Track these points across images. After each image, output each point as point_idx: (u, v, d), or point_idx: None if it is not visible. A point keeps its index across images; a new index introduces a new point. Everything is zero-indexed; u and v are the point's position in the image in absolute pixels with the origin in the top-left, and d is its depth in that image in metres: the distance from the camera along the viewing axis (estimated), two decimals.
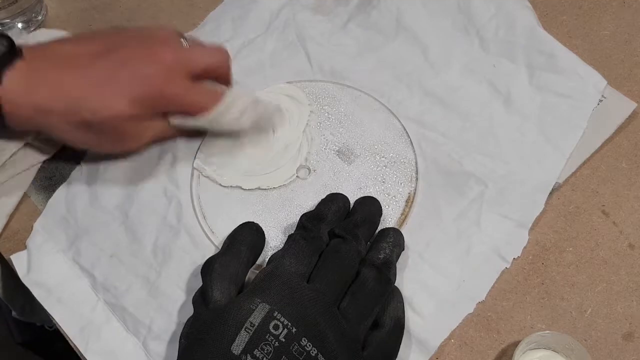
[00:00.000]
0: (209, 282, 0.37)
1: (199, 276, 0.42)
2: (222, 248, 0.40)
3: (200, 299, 0.37)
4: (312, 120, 0.49)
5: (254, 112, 0.44)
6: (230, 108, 0.43)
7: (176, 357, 0.36)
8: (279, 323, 0.34)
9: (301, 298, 0.35)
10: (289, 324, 0.34)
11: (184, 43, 0.43)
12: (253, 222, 0.41)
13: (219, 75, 0.44)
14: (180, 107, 0.42)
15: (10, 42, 0.38)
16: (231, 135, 0.47)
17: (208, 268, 0.38)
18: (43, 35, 0.49)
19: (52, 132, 0.41)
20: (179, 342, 0.37)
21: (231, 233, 0.40)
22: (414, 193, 0.45)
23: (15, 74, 0.38)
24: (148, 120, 0.42)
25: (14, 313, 0.58)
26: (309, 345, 0.34)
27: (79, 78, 0.39)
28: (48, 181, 0.47)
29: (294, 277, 0.36)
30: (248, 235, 0.40)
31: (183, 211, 0.45)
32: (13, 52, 0.38)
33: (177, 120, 0.43)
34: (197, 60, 0.42)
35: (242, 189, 0.46)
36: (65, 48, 0.41)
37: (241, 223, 0.41)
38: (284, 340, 0.33)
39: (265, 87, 0.50)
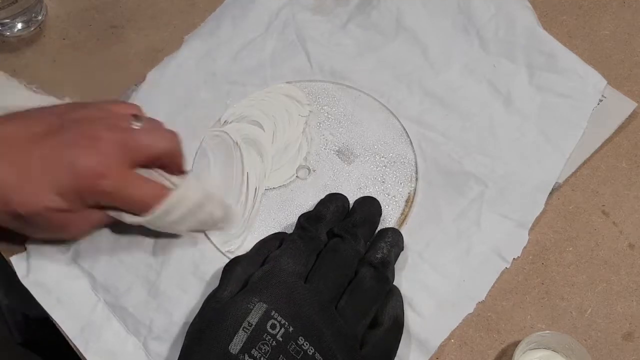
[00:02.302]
0: (225, 282, 0.38)
1: (199, 276, 0.42)
2: (249, 251, 0.40)
3: (212, 295, 0.38)
4: (311, 120, 0.49)
5: (199, 214, 0.41)
6: (173, 210, 0.39)
7: (176, 357, 0.36)
8: (276, 322, 0.34)
9: (298, 297, 0.35)
10: (286, 323, 0.34)
11: (136, 125, 0.40)
12: (285, 233, 0.41)
13: (168, 163, 0.41)
14: (115, 203, 0.39)
15: None
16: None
17: (229, 268, 0.39)
18: None
19: None
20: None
21: (262, 239, 0.41)
22: (414, 193, 0.45)
23: None
24: (82, 211, 0.39)
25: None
26: (306, 344, 0.34)
27: (10, 167, 0.37)
28: None
29: (291, 277, 0.36)
30: (275, 245, 0.40)
31: None
32: None
33: (112, 214, 0.40)
34: (144, 147, 0.39)
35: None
36: (6, 129, 0.38)
37: (275, 232, 0.42)
38: (281, 339, 0.34)
39: (265, 87, 0.50)
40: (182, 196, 0.39)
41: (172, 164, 0.41)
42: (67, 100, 0.45)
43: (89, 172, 0.37)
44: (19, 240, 0.44)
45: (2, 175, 0.37)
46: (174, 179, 0.41)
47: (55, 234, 0.42)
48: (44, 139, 0.38)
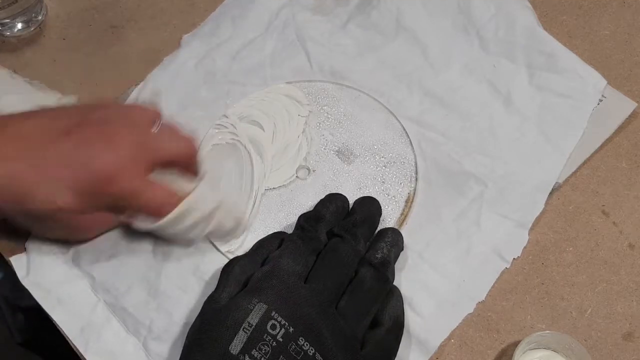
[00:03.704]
0: (223, 282, 0.38)
1: (199, 276, 0.42)
2: (249, 251, 0.40)
3: (210, 297, 0.38)
4: (311, 120, 0.49)
5: (209, 223, 0.41)
6: (184, 217, 0.39)
7: (176, 357, 0.37)
8: (276, 323, 0.34)
9: (298, 298, 0.35)
10: (287, 323, 0.34)
11: (154, 128, 0.40)
12: (284, 233, 0.41)
13: (184, 167, 0.41)
14: (129, 206, 0.39)
15: None
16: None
17: (227, 268, 0.39)
18: None
19: (5, 216, 0.39)
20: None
21: (261, 239, 0.41)
22: (414, 193, 0.45)
23: None
24: (96, 212, 0.39)
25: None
26: (307, 345, 0.34)
27: (27, 165, 0.36)
28: None
29: (291, 277, 0.36)
30: (275, 245, 0.40)
31: None
32: None
33: (123, 218, 0.40)
34: (162, 150, 0.39)
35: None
36: (26, 125, 0.38)
37: (273, 232, 0.41)
38: (281, 340, 0.34)
39: (265, 87, 0.50)
40: (194, 203, 0.39)
41: (187, 168, 0.41)
42: (72, 97, 0.45)
43: (105, 173, 0.37)
44: (19, 240, 0.44)
45: (18, 173, 0.36)
46: (187, 184, 0.40)
47: (64, 234, 0.42)
48: (62, 137, 0.37)
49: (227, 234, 0.43)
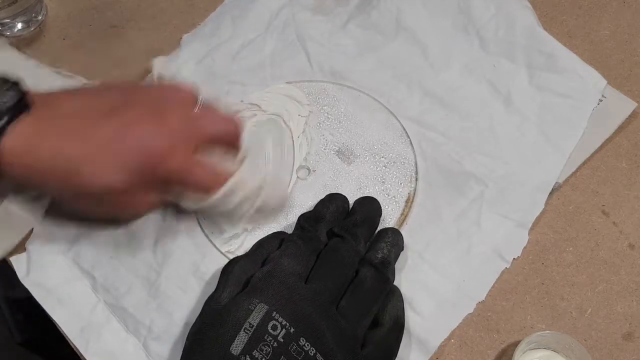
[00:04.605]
0: (224, 283, 0.38)
1: (199, 276, 0.42)
2: (249, 251, 0.40)
3: (210, 297, 0.38)
4: (311, 120, 0.49)
5: (255, 201, 0.41)
6: (232, 195, 0.39)
7: (176, 358, 0.37)
8: (277, 323, 0.34)
9: (299, 298, 0.35)
10: (287, 324, 0.34)
11: (197, 108, 0.40)
12: (284, 232, 0.41)
13: (228, 144, 0.41)
14: (180, 184, 0.39)
15: (21, 93, 0.36)
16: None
17: (227, 269, 0.39)
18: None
19: (48, 194, 0.39)
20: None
21: (261, 239, 0.41)
22: (414, 193, 0.45)
23: (18, 130, 0.35)
24: (144, 190, 0.39)
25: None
26: (307, 345, 0.34)
27: (77, 146, 0.36)
28: None
29: (291, 277, 0.36)
30: (274, 245, 0.40)
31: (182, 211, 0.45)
32: (21, 104, 0.36)
33: (170, 197, 0.40)
34: (207, 130, 0.40)
35: None
36: (73, 103, 0.38)
37: (273, 232, 0.42)
38: (282, 340, 0.34)
39: (265, 87, 0.50)
40: (241, 181, 0.39)
41: (231, 146, 0.41)
42: (97, 82, 0.45)
43: (155, 152, 0.37)
44: (19, 240, 0.44)
45: (70, 150, 0.36)
46: (231, 163, 0.41)
47: (112, 214, 0.42)
48: (111, 116, 0.37)
49: (272, 212, 0.43)
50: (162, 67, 0.45)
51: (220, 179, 0.39)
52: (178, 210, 0.42)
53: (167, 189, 0.40)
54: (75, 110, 0.38)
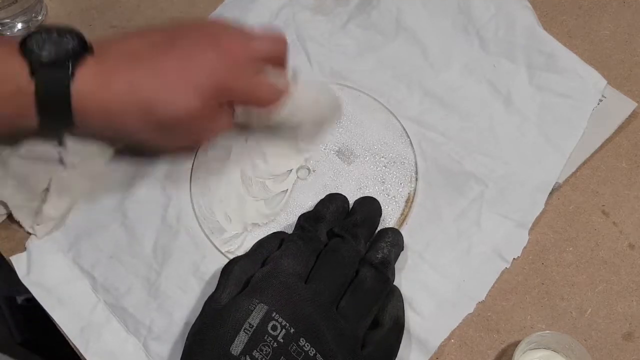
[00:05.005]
0: (224, 283, 0.38)
1: (199, 276, 0.42)
2: (248, 251, 0.40)
3: (210, 297, 0.38)
4: None
5: (315, 110, 0.45)
6: (295, 105, 0.42)
7: (176, 358, 0.37)
8: (277, 324, 0.34)
9: (299, 298, 0.35)
10: (287, 324, 0.34)
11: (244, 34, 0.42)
12: (284, 232, 0.41)
13: (277, 62, 0.42)
14: (247, 100, 0.41)
15: (80, 37, 0.37)
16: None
17: (227, 269, 0.39)
18: None
19: (123, 132, 0.40)
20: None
21: (261, 239, 0.41)
22: (414, 193, 0.45)
23: (85, 72, 0.36)
24: (217, 113, 0.40)
25: None
26: (307, 346, 0.34)
27: (148, 76, 0.38)
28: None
29: (291, 278, 0.36)
30: (274, 245, 0.40)
31: (182, 211, 0.45)
32: (83, 47, 0.37)
33: (241, 116, 0.43)
34: (261, 50, 0.41)
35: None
36: (130, 42, 0.39)
37: (273, 232, 0.42)
38: (282, 340, 0.34)
39: None
40: (302, 90, 0.42)
41: (279, 63, 0.43)
42: None
43: (224, 72, 0.38)
44: (19, 240, 0.44)
45: (141, 85, 0.37)
46: (282, 80, 0.42)
47: (192, 139, 0.43)
48: (173, 48, 0.39)
49: (330, 123, 0.47)
50: None
51: (282, 90, 0.41)
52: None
53: (239, 104, 0.42)
54: (136, 48, 0.39)
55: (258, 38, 0.41)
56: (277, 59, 0.42)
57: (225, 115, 0.42)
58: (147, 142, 0.42)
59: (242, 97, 0.41)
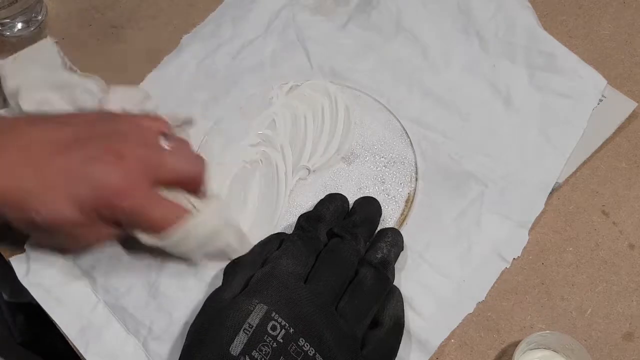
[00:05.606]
0: (226, 283, 0.38)
1: (199, 277, 0.42)
2: (249, 252, 0.41)
3: (210, 297, 0.38)
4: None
5: (216, 242, 0.40)
6: (189, 235, 0.38)
7: (176, 358, 0.37)
8: (276, 324, 0.34)
9: (298, 298, 0.35)
10: (287, 324, 0.34)
11: (164, 144, 0.39)
12: (284, 233, 0.41)
13: (190, 186, 0.40)
14: (133, 222, 0.38)
15: None
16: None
17: (228, 269, 0.39)
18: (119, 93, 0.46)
19: (5, 220, 0.39)
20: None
21: (264, 239, 0.41)
22: (414, 193, 0.45)
23: None
24: (100, 225, 0.38)
25: (5, 296, 0.58)
26: (307, 346, 0.34)
27: (32, 174, 0.36)
28: None
29: (291, 278, 0.36)
30: (274, 245, 0.40)
31: None
32: None
33: (128, 231, 0.39)
34: (169, 168, 0.39)
35: None
36: (32, 133, 0.37)
37: (277, 232, 0.41)
38: (281, 341, 0.34)
39: (265, 87, 0.50)
40: (201, 221, 0.39)
41: (194, 188, 0.41)
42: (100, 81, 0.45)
43: (110, 189, 0.36)
44: (19, 240, 0.44)
45: (23, 182, 0.36)
46: (197, 202, 0.40)
47: (65, 244, 0.42)
48: (70, 149, 0.37)
49: (232, 254, 0.42)
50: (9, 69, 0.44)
51: (178, 218, 0.38)
52: (137, 243, 0.41)
53: (124, 225, 0.39)
54: (34, 141, 0.37)
55: (170, 156, 0.39)
56: (190, 183, 0.40)
57: (109, 227, 0.39)
58: (27, 234, 0.41)
59: (127, 219, 0.38)
